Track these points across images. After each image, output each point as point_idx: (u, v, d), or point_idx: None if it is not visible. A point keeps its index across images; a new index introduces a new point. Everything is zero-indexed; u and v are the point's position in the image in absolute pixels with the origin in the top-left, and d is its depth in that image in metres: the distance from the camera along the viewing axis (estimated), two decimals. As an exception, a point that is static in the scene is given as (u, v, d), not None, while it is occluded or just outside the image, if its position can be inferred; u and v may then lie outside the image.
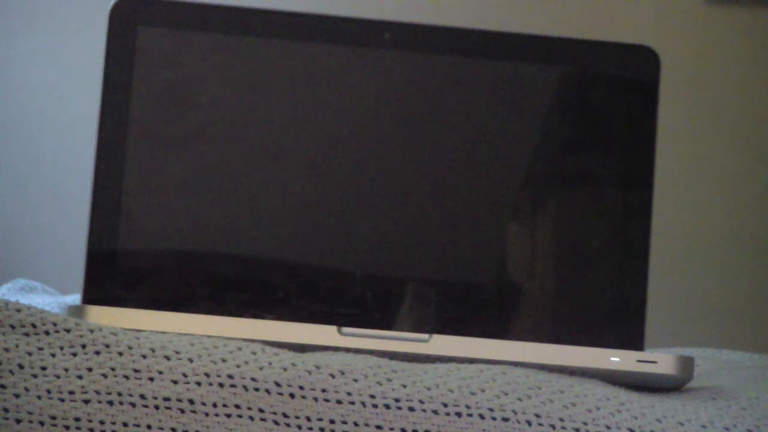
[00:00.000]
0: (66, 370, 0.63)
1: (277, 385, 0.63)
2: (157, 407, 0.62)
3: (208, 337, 0.67)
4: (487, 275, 0.76)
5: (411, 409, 0.64)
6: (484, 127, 0.76)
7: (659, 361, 0.69)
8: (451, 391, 0.65)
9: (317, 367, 0.64)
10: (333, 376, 0.64)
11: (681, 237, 1.94)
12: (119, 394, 0.62)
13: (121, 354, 0.64)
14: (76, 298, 0.97)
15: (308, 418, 0.63)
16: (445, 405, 0.64)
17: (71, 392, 0.62)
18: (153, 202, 0.74)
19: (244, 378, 0.63)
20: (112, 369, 0.63)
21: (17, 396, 0.62)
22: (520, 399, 0.65)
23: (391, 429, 0.63)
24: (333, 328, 0.70)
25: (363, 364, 0.66)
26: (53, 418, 0.61)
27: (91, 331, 0.65)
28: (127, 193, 0.73)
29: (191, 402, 0.63)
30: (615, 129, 0.76)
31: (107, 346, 0.64)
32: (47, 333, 0.65)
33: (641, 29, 1.95)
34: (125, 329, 0.66)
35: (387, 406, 0.64)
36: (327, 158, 0.75)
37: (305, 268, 0.74)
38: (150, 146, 0.74)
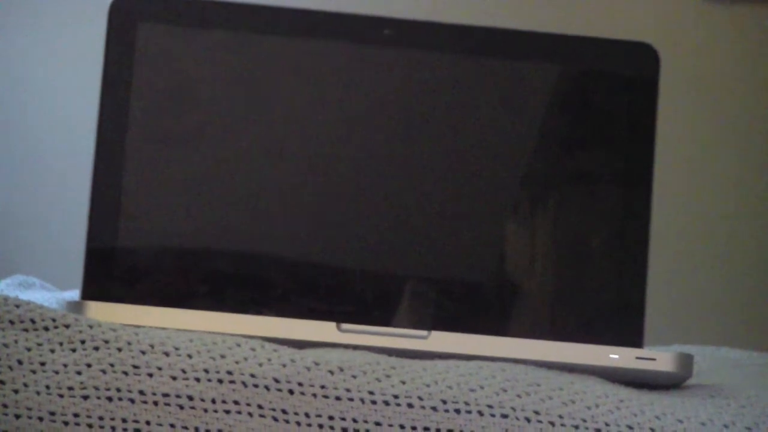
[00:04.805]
0: (65, 365, 0.63)
1: (277, 381, 0.64)
2: (156, 403, 0.62)
3: (208, 333, 0.67)
4: (487, 272, 0.76)
5: (410, 405, 0.64)
6: (483, 124, 0.76)
7: (658, 358, 0.70)
8: (450, 387, 0.65)
9: (316, 364, 0.65)
10: (332, 373, 0.64)
11: (680, 235, 1.94)
12: (118, 389, 0.62)
13: (120, 350, 0.64)
14: (74, 294, 0.97)
15: (307, 414, 0.63)
16: (444, 401, 0.64)
17: (70, 388, 0.62)
18: (152, 198, 0.74)
19: (243, 374, 0.63)
20: (112, 365, 0.63)
21: (16, 392, 0.62)
22: (519, 396, 0.65)
23: (390, 425, 0.64)
24: (332, 325, 0.70)
25: (362, 360, 0.66)
26: (52, 413, 0.62)
27: (91, 327, 0.65)
28: (127, 189, 0.73)
29: (190, 398, 0.63)
30: (615, 126, 0.76)
31: (106, 342, 0.64)
32: (46, 329, 0.65)
33: (641, 27, 1.95)
34: (124, 325, 0.66)
35: (386, 403, 0.64)
36: (326, 155, 0.75)
37: (304, 264, 0.74)
38: (149, 143, 0.74)
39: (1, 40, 2.05)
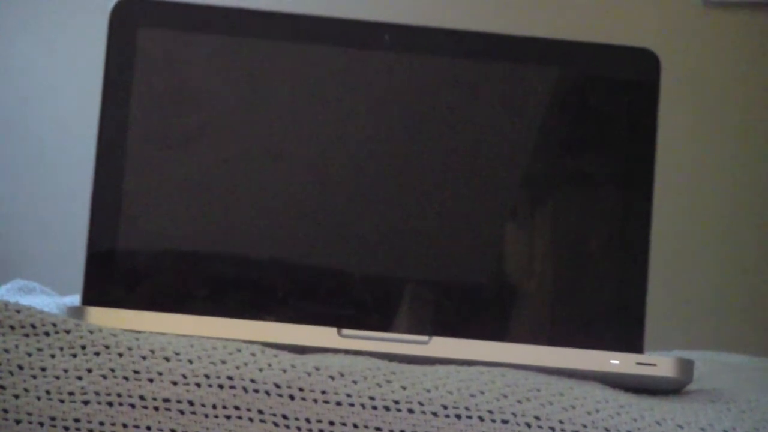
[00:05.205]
0: (66, 371, 0.63)
1: (277, 386, 0.64)
2: (156, 408, 0.63)
3: (208, 338, 0.67)
4: (487, 277, 0.76)
5: (410, 411, 0.64)
6: (484, 128, 0.76)
7: (659, 363, 0.70)
8: (451, 393, 0.65)
9: (317, 369, 0.65)
10: (333, 378, 0.64)
11: (681, 239, 1.94)
12: (119, 395, 0.63)
13: (120, 355, 0.64)
14: (74, 299, 0.97)
15: (308, 420, 0.63)
16: (445, 407, 0.64)
17: (71, 393, 0.62)
18: (153, 203, 0.74)
19: (243, 379, 0.64)
20: (112, 370, 0.63)
21: (17, 397, 0.62)
22: (519, 401, 0.65)
23: (391, 430, 0.64)
24: (333, 330, 0.70)
25: (363, 365, 0.66)
26: (53, 419, 0.62)
27: (91, 332, 0.65)
28: (127, 194, 0.73)
29: (191, 403, 0.63)
30: (616, 131, 0.76)
31: (107, 347, 0.64)
32: (47, 334, 0.65)
33: (641, 32, 1.95)
34: (125, 330, 0.66)
35: (386, 408, 0.64)
36: (326, 160, 0.75)
37: (305, 269, 0.75)
38: (150, 147, 0.74)
39: (3, 43, 2.05)
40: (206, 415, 0.63)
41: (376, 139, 0.76)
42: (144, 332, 0.67)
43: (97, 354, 0.64)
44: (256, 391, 0.63)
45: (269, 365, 0.64)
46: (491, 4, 2.01)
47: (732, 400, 0.70)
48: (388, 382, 0.65)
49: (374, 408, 0.64)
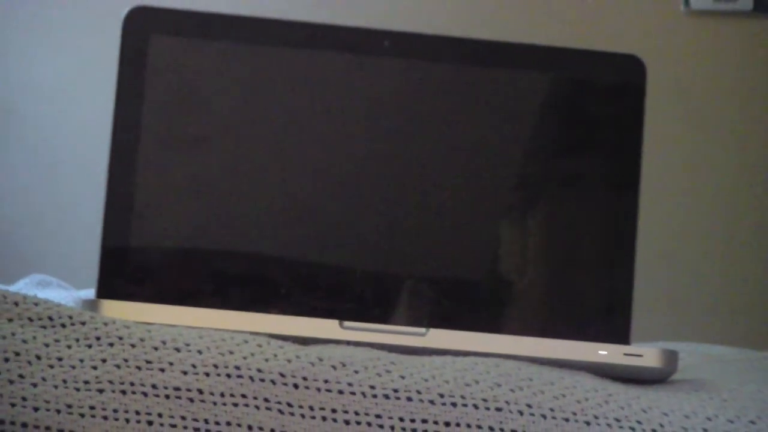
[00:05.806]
0: (81, 361, 0.64)
1: (282, 376, 0.64)
2: (167, 396, 0.63)
3: (216, 330, 0.67)
4: (482, 272, 0.77)
5: (409, 399, 0.65)
6: (478, 131, 0.77)
7: (645, 354, 0.71)
8: (447, 382, 0.66)
9: (320, 359, 0.65)
10: (335, 368, 0.65)
11: (666, 236, 1.96)
12: (132, 384, 0.63)
13: (133, 346, 0.65)
14: (89, 293, 0.97)
15: (311, 408, 0.64)
16: (441, 395, 0.65)
17: (86, 382, 0.63)
18: (164, 201, 0.75)
19: (250, 369, 0.64)
20: (125, 360, 0.64)
21: (35, 385, 0.62)
22: (512, 390, 0.66)
23: (390, 418, 0.64)
24: (335, 322, 0.71)
25: (363, 356, 0.67)
26: (69, 406, 0.62)
27: (105, 324, 0.66)
28: (140, 193, 0.74)
29: (200, 392, 0.63)
30: (604, 133, 0.77)
31: (120, 338, 0.65)
32: (63, 326, 0.65)
33: (628, 39, 1.97)
34: (137, 322, 0.67)
35: (386, 397, 0.65)
36: (329, 160, 0.76)
37: (308, 264, 0.75)
38: (161, 148, 0.75)
39: (24, 50, 2.06)
40: (215, 403, 0.63)
41: (376, 141, 0.76)
42: (155, 324, 0.67)
43: (111, 345, 0.64)
44: (262, 380, 0.64)
45: (275, 356, 0.65)
46: (486, 13, 2.02)
47: (714, 389, 0.70)
48: (388, 371, 0.66)
49: (374, 396, 0.64)
